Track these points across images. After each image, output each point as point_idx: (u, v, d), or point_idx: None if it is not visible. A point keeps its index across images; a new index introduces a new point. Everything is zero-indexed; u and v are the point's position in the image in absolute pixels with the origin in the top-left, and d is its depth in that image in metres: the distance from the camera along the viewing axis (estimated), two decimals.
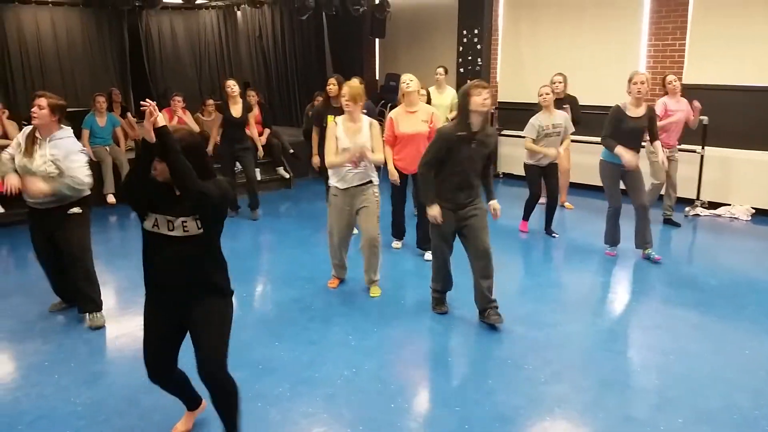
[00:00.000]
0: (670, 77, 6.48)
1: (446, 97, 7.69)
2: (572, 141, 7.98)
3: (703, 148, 7.42)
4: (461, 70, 9.29)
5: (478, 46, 9.01)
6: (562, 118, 6.22)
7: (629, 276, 5.41)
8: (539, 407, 3.29)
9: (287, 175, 8.96)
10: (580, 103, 7.27)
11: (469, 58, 9.12)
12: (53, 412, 3.24)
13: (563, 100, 6.96)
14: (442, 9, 10.30)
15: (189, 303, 2.71)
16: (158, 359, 2.83)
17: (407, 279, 5.26)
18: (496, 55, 9.75)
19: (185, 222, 2.60)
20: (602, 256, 5.77)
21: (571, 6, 8.83)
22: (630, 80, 5.32)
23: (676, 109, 6.50)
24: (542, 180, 6.38)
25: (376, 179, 4.73)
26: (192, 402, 3.08)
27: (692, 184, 7.53)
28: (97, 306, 4.35)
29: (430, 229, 4.34)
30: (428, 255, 5.32)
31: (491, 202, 4.30)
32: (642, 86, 5.25)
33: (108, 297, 4.80)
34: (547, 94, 6.10)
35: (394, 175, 5.41)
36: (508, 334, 4.14)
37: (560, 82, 6.87)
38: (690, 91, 7.85)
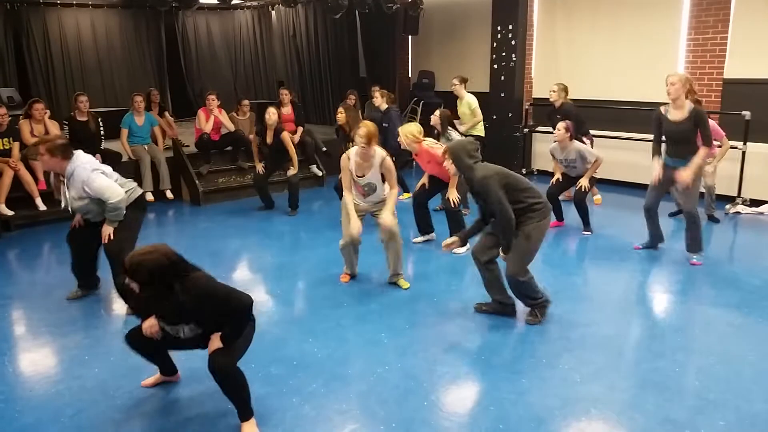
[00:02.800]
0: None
1: (464, 105, 7.81)
2: (604, 137, 7.94)
3: (744, 143, 7.21)
4: (495, 66, 9.22)
5: (513, 42, 8.93)
6: (575, 153, 6.19)
7: (668, 275, 5.30)
8: (575, 408, 3.25)
9: (320, 173, 9.01)
10: (616, 98, 7.24)
11: (504, 54, 9.05)
12: (94, 405, 3.31)
13: (558, 111, 7.09)
14: (475, 5, 10.22)
15: None
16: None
17: (439, 276, 5.25)
18: (531, 51, 9.64)
19: (191, 327, 3.06)
20: (640, 255, 5.66)
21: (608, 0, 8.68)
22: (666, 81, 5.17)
23: None
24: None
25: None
26: (167, 370, 3.52)
27: (733, 182, 7.33)
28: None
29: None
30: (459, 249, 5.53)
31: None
32: (671, 87, 5.07)
33: None
34: (558, 130, 6.17)
35: None
36: (543, 334, 4.10)
37: (553, 91, 7.12)
38: (731, 86, 7.67)
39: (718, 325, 4.26)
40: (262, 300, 4.86)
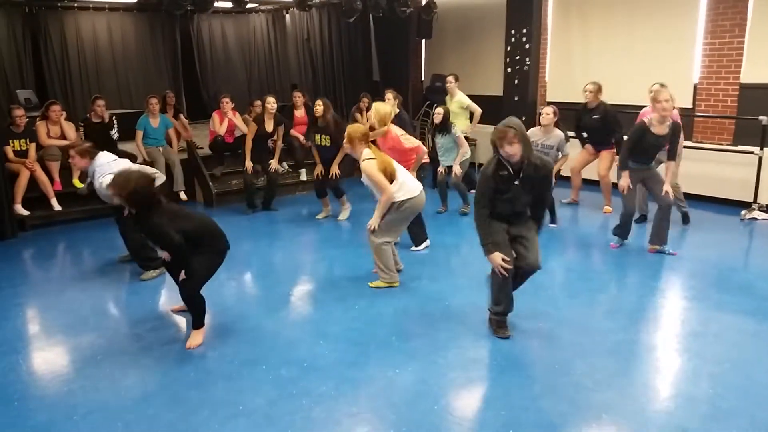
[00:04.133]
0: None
1: (454, 103, 8.21)
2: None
3: (761, 149, 7.13)
4: (509, 70, 9.18)
5: (527, 46, 8.89)
6: (556, 140, 6.35)
7: (681, 281, 5.25)
8: (586, 414, 3.22)
9: None
10: (631, 103, 7.19)
11: (517, 57, 9.01)
12: (105, 405, 3.33)
13: (595, 110, 7.00)
14: (489, 9, 10.21)
15: None
16: None
17: (450, 280, 5.23)
18: (545, 55, 9.61)
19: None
20: (654, 261, 5.61)
21: (623, 3, 8.62)
22: (655, 99, 5.43)
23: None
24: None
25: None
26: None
27: (749, 187, 7.25)
28: (150, 266, 5.31)
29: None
30: (416, 247, 5.99)
31: None
32: (666, 104, 5.35)
33: (160, 295, 4.95)
34: (547, 114, 6.32)
35: None
36: (556, 339, 4.07)
37: (590, 92, 6.98)
38: (748, 91, 7.60)
39: (731, 331, 4.21)
40: (274, 302, 4.87)
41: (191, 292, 4.01)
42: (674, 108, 6.04)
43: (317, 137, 7.04)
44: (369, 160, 4.75)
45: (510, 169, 3.82)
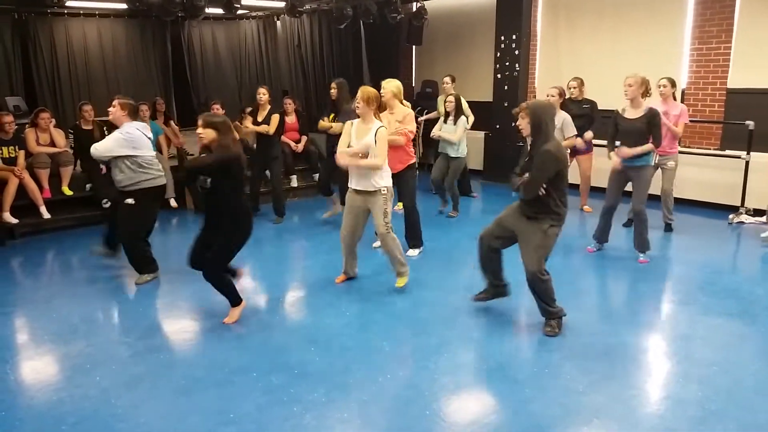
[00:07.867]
0: (663, 80, 6.41)
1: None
2: (599, 146, 7.93)
3: (748, 153, 7.20)
4: (498, 75, 9.25)
5: (516, 52, 8.95)
6: (559, 120, 6.36)
7: (669, 285, 5.29)
8: (576, 418, 3.23)
9: None
10: (620, 108, 7.23)
11: (507, 63, 9.07)
12: (95, 413, 3.32)
13: (583, 102, 7.30)
14: (479, 15, 10.27)
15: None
16: (192, 255, 4.48)
17: (441, 285, 5.24)
18: (534, 61, 9.67)
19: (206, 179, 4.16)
20: (641, 264, 5.64)
21: (611, 10, 8.70)
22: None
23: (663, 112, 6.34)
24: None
25: (382, 183, 4.83)
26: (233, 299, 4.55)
27: (737, 191, 7.31)
28: (140, 271, 5.31)
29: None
30: (411, 251, 5.97)
31: None
32: (628, 88, 5.50)
33: (150, 303, 4.93)
34: (552, 95, 6.50)
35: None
36: (546, 343, 4.09)
37: (574, 87, 7.30)
38: (734, 96, 7.67)
39: (720, 334, 4.24)
40: (264, 308, 4.87)
41: (214, 271, 4.35)
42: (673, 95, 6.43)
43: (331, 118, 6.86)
44: (384, 128, 4.85)
45: (527, 143, 4.21)
